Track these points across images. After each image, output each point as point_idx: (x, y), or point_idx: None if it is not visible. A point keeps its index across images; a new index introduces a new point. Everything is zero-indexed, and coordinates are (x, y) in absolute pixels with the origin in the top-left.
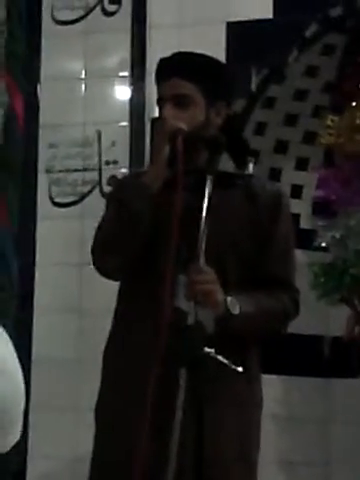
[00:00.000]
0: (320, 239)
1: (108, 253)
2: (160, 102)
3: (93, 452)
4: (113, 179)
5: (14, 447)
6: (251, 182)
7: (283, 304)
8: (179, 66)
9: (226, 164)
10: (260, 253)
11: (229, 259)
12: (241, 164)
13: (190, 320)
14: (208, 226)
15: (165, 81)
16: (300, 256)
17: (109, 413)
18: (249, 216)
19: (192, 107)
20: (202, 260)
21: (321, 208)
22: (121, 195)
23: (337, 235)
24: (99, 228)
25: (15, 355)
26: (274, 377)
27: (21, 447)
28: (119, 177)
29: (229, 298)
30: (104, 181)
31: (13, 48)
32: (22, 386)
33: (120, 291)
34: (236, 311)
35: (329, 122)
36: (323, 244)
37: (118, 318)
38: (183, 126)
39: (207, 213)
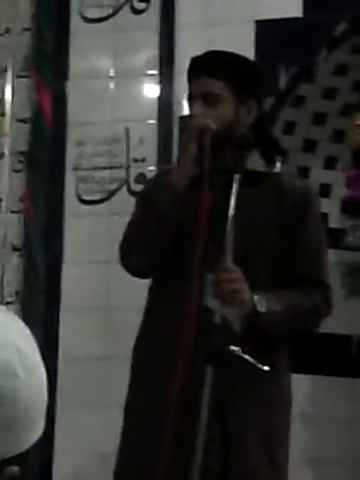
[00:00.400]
0: (349, 238)
1: (135, 252)
2: (190, 100)
3: (120, 448)
4: (142, 177)
5: (40, 444)
6: (280, 180)
7: (314, 301)
8: (209, 64)
9: (256, 163)
10: (290, 251)
11: (257, 257)
12: (271, 163)
13: (217, 318)
14: (236, 225)
15: (195, 79)
16: (329, 255)
17: (138, 410)
18: (278, 214)
19: (221, 105)
20: (229, 258)
21: (350, 207)
22: (148, 194)
23: None
24: (128, 227)
25: (38, 352)
26: (302, 376)
27: (47, 444)
28: (147, 175)
29: (256, 296)
30: (132, 179)
31: (42, 46)
32: (45, 384)
33: (150, 289)
34: (263, 309)
35: (358, 121)
36: (352, 243)
37: (148, 316)
38: (211, 124)
39: (235, 212)
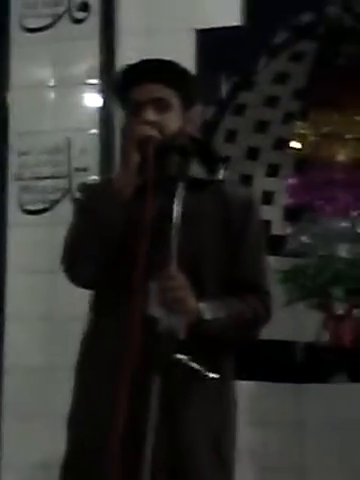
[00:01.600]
0: (290, 245)
1: (80, 262)
2: (134, 106)
3: (65, 457)
4: (82, 186)
5: None
6: (222, 188)
7: (254, 309)
8: (157, 71)
9: (197, 170)
10: (232, 258)
11: (201, 265)
12: (212, 170)
13: (161, 327)
14: (180, 232)
15: (138, 85)
16: (272, 262)
17: (82, 420)
18: (221, 222)
19: (170, 112)
20: (174, 266)
21: (292, 214)
22: (89, 204)
23: (306, 241)
24: (68, 236)
25: None
26: (248, 383)
27: None
28: (87, 184)
29: (201, 304)
30: (74, 188)
31: None
32: None
33: (93, 298)
34: (209, 316)
35: (298, 130)
36: (293, 250)
37: (91, 326)
38: (153, 133)
39: (178, 219)
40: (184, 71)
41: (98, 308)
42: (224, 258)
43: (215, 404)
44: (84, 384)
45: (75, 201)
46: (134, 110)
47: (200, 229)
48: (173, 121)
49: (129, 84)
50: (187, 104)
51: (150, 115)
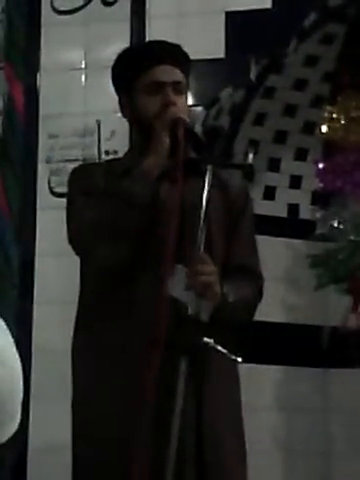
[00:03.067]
0: (320, 229)
1: (106, 241)
2: (156, 86)
3: (84, 441)
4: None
5: (14, 437)
6: (218, 174)
7: (254, 291)
8: (169, 53)
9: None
10: (229, 242)
11: (210, 249)
12: (209, 153)
13: (190, 310)
14: (191, 216)
15: (158, 66)
16: (300, 246)
17: (98, 406)
18: (220, 208)
19: (183, 95)
20: (201, 250)
21: (320, 198)
22: (116, 184)
23: (335, 225)
24: (87, 217)
25: (14, 346)
26: (275, 367)
27: (22, 437)
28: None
29: (224, 288)
30: None
31: (13, 38)
32: (20, 377)
33: (97, 281)
34: (231, 300)
35: (327, 113)
36: (322, 235)
37: (97, 308)
38: (184, 115)
39: (195, 204)
40: (188, 56)
41: (105, 290)
42: (223, 244)
43: (234, 386)
44: (94, 368)
45: (73, 183)
46: (152, 90)
47: (207, 216)
48: (185, 105)
49: (148, 64)
50: (187, 88)
51: (172, 96)
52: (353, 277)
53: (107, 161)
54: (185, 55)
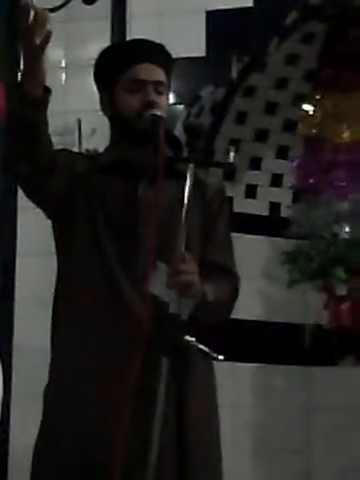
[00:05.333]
0: (293, 227)
1: (17, 160)
2: (134, 85)
3: (51, 440)
4: None
5: None
6: (195, 173)
7: (232, 291)
8: (152, 52)
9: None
10: (205, 241)
11: (188, 248)
12: (190, 152)
13: (172, 308)
14: (168, 216)
15: (140, 64)
16: (281, 244)
17: (75, 405)
18: (197, 207)
19: (165, 95)
20: (183, 249)
21: (299, 196)
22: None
23: (308, 222)
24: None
25: None
26: (254, 365)
27: (2, 438)
28: None
29: (205, 287)
30: None
31: None
32: (0, 378)
33: (64, 284)
34: (211, 299)
35: (306, 112)
36: (298, 232)
37: (68, 310)
38: (163, 114)
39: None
40: (171, 57)
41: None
42: (199, 242)
43: (212, 384)
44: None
45: None
46: (133, 88)
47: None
48: (165, 104)
49: (130, 61)
50: (168, 89)
51: (153, 96)
52: (326, 274)
53: (88, 156)
54: (168, 55)
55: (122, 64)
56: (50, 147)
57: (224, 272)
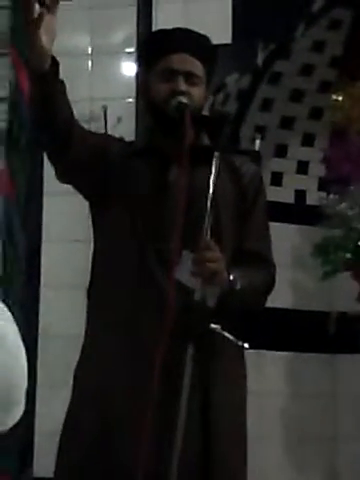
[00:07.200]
0: (326, 217)
1: (40, 129)
2: (167, 73)
3: (74, 425)
4: None
5: (21, 422)
6: (231, 159)
7: (266, 279)
8: (192, 43)
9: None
10: (241, 230)
11: (220, 236)
12: (216, 140)
13: (197, 296)
14: (197, 203)
15: (174, 54)
16: (307, 232)
17: (103, 390)
18: (233, 195)
19: (199, 87)
20: (208, 237)
21: (327, 185)
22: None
23: (340, 212)
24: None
25: (18, 334)
26: (283, 353)
27: (28, 423)
28: None
29: (232, 275)
30: None
31: (18, 23)
32: (25, 364)
33: (98, 267)
34: (238, 287)
35: (334, 100)
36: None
37: (101, 293)
38: (189, 102)
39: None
40: (214, 49)
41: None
42: (235, 230)
43: (240, 372)
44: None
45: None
46: (165, 77)
47: (217, 201)
48: (199, 95)
49: (166, 50)
50: (209, 81)
51: (183, 85)
52: (357, 265)
53: (123, 140)
54: (210, 48)
55: (158, 53)
56: (67, 116)
57: (260, 260)
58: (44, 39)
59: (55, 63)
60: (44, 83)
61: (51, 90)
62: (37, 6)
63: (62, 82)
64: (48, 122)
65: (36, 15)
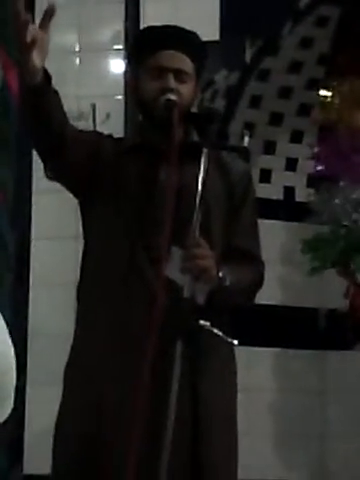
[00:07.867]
0: (314, 213)
1: (32, 136)
2: (156, 71)
3: (66, 422)
4: None
5: (10, 419)
6: (220, 156)
7: (254, 276)
8: (180, 40)
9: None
10: (231, 226)
11: (209, 233)
12: (204, 136)
13: (186, 293)
14: (186, 200)
15: (163, 51)
16: (296, 229)
17: (92, 384)
18: (222, 192)
19: (188, 84)
20: (197, 233)
21: (316, 182)
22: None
23: (329, 209)
24: None
25: (5, 328)
26: (272, 349)
27: (18, 421)
28: None
29: (221, 272)
30: None
31: (5, 18)
32: (12, 359)
33: (87, 265)
34: (227, 284)
35: (323, 97)
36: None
37: (90, 290)
38: (177, 99)
39: (192, 187)
40: (204, 46)
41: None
42: (224, 227)
43: (230, 368)
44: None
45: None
46: (155, 75)
47: (206, 198)
48: (188, 93)
49: (155, 47)
50: (198, 78)
51: (172, 83)
52: (346, 261)
53: (113, 138)
54: (199, 45)
55: (147, 50)
56: (60, 122)
57: (249, 258)
58: (37, 58)
59: (47, 75)
60: (35, 95)
61: (42, 102)
62: (30, 27)
63: (56, 92)
64: (41, 131)
65: (30, 38)
